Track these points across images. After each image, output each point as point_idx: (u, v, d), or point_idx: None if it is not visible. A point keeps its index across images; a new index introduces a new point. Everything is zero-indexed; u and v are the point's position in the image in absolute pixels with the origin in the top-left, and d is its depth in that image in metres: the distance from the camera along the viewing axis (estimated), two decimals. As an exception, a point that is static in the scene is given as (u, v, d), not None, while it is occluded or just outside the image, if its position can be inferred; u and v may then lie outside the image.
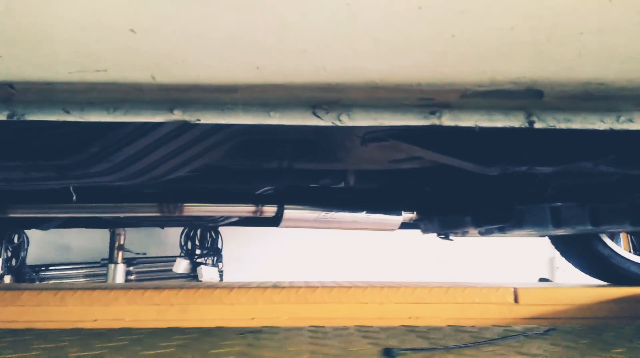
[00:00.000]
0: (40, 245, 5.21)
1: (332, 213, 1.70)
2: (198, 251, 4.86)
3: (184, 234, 4.84)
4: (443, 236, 1.56)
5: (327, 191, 1.69)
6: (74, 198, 1.30)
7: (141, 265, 5.17)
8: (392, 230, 1.82)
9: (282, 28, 0.49)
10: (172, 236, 5.24)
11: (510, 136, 0.92)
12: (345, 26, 0.49)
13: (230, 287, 2.15)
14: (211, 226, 2.08)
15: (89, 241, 5.43)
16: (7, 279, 4.68)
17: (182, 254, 4.86)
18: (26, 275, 4.83)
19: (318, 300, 2.13)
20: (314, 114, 0.56)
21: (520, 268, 5.62)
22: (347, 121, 0.56)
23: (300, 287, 2.15)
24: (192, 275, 4.92)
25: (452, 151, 0.92)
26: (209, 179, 1.44)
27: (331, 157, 1.23)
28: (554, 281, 5.29)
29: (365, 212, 1.72)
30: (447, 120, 0.58)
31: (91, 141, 0.82)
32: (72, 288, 2.17)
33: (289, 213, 1.66)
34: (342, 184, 1.58)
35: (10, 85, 0.51)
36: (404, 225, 1.80)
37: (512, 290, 2.18)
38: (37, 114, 0.54)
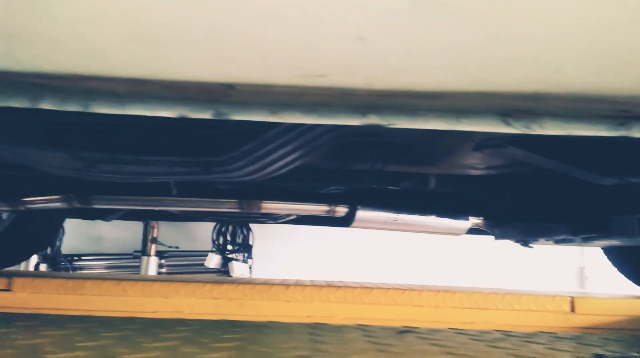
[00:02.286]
0: (73, 235, 5.29)
1: (403, 215, 1.71)
2: (229, 247, 4.89)
3: (215, 229, 4.89)
4: (522, 243, 1.56)
5: (399, 193, 1.70)
6: (175, 192, 1.34)
7: (172, 259, 5.23)
8: (459, 234, 1.83)
9: (500, 38, 0.51)
10: (203, 231, 5.29)
11: (629, 145, 0.93)
12: (556, 38, 0.50)
13: (287, 284, 2.18)
14: (272, 223, 2.11)
15: (120, 233, 5.49)
16: (43, 267, 4.78)
17: (214, 249, 4.90)
18: (61, 264, 4.91)
19: (373, 301, 2.15)
20: (504, 121, 0.57)
21: (549, 277, 5.55)
22: (537, 129, 0.58)
23: (356, 287, 2.17)
24: (223, 270, 4.96)
25: (570, 160, 0.93)
26: (289, 178, 1.46)
27: (425, 161, 1.25)
28: (585, 291, 5.22)
29: (434, 216, 1.73)
30: (638, 132, 0.59)
31: (248, 140, 0.85)
32: (134, 278, 2.22)
33: (362, 213, 1.67)
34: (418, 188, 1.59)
35: (229, 86, 0.53)
36: (470, 230, 1.81)
37: (569, 298, 2.17)
38: (243, 114, 0.56)
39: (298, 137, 0.93)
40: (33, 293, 2.12)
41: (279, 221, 2.15)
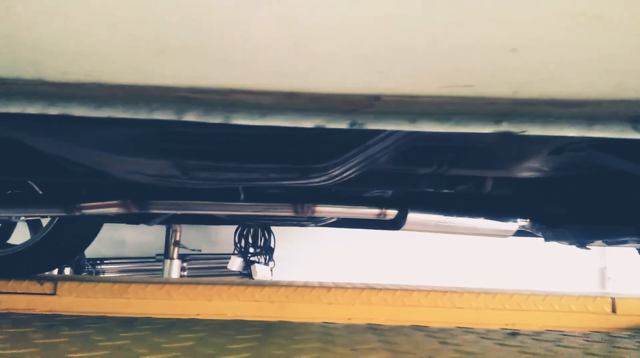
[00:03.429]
0: (96, 238, 5.32)
1: (452, 217, 1.72)
2: (251, 250, 4.90)
3: (237, 232, 4.90)
4: (578, 244, 1.57)
5: (447, 195, 1.71)
6: (242, 196, 1.35)
7: (194, 262, 5.24)
8: (506, 236, 1.84)
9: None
10: (225, 234, 5.31)
11: None
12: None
13: (327, 287, 2.19)
14: (311, 225, 2.12)
15: (143, 237, 5.52)
16: (67, 271, 4.81)
17: (236, 252, 4.91)
18: (85, 267, 4.94)
19: (414, 303, 2.16)
20: (634, 127, 0.59)
21: (570, 278, 5.52)
22: (664, 135, 0.59)
23: (397, 290, 2.18)
24: (245, 273, 4.97)
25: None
26: (349, 181, 1.47)
27: (490, 164, 1.26)
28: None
29: (483, 218, 1.73)
30: None
31: (352, 146, 0.87)
32: (177, 282, 2.24)
33: (413, 216, 1.68)
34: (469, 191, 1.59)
35: (376, 97, 0.55)
36: (517, 232, 1.81)
37: (610, 299, 2.16)
38: (381, 124, 0.58)
39: (377, 143, 0.94)
40: (78, 297, 2.15)
41: (320, 223, 2.17)
